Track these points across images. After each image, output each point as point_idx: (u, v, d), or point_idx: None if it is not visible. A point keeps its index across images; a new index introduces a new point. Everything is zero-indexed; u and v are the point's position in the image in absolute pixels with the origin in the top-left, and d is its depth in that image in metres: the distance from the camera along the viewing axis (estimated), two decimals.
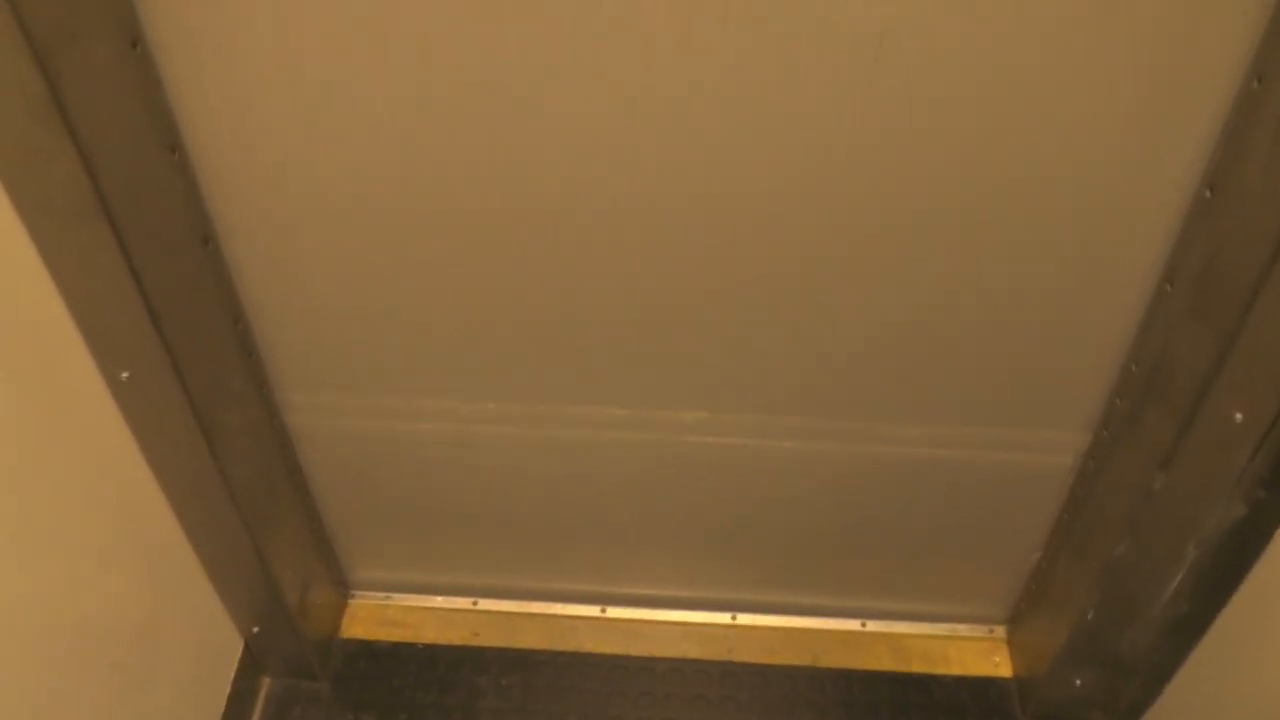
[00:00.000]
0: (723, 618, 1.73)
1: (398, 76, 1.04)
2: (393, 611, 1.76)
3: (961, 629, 1.71)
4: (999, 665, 1.67)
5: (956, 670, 1.67)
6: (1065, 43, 0.97)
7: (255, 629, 1.56)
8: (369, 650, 1.71)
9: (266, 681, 1.67)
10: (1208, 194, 1.04)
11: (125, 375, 1.16)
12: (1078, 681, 1.47)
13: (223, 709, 1.53)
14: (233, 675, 1.56)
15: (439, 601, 1.76)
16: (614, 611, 1.74)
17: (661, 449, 1.45)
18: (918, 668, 1.67)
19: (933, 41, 0.98)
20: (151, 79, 1.03)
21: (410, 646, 1.71)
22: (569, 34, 0.99)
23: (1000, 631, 1.70)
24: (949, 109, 1.03)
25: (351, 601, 1.77)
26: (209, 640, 1.51)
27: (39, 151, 0.94)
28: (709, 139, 1.07)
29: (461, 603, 1.76)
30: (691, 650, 1.70)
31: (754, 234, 1.16)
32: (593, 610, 1.74)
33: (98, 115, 0.95)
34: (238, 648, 1.58)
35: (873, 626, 1.72)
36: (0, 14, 0.84)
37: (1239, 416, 1.05)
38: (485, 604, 1.75)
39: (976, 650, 1.69)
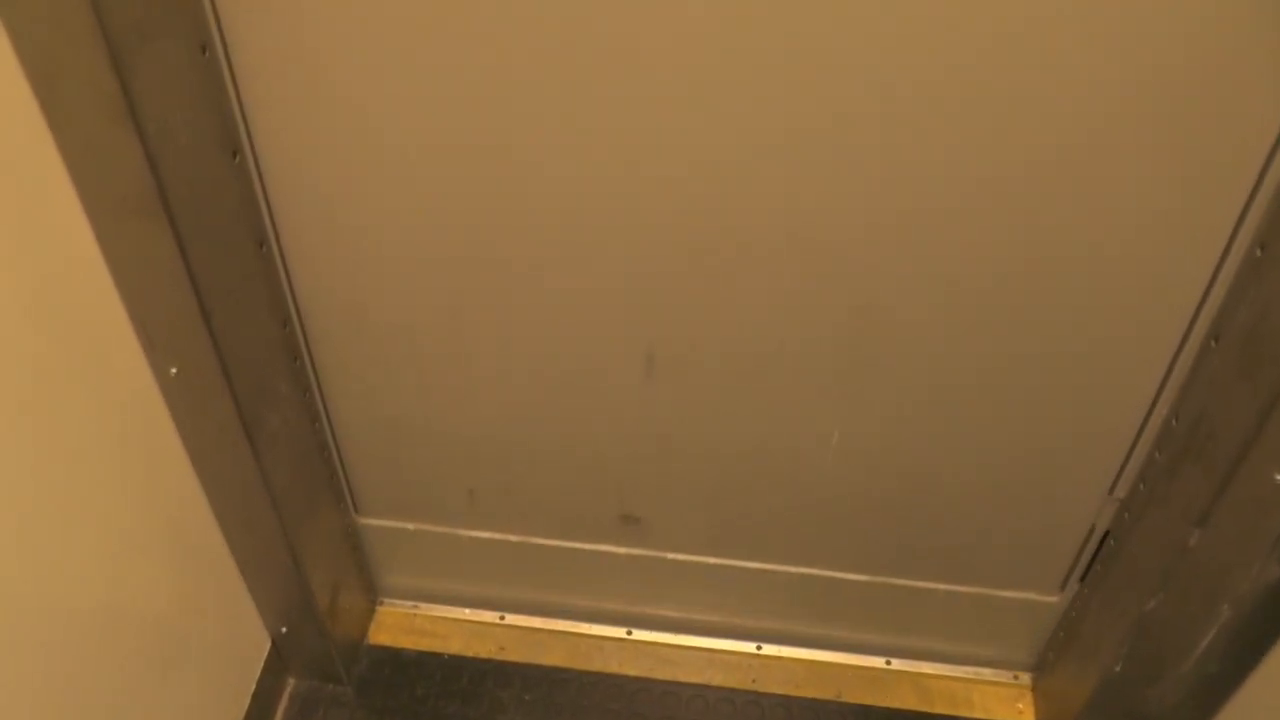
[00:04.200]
0: (748, 647, 1.73)
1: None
2: (420, 621, 1.77)
3: (986, 673, 1.69)
4: (1022, 712, 1.66)
5: (980, 715, 1.65)
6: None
7: (284, 629, 1.58)
8: (395, 658, 1.72)
9: (291, 682, 1.68)
10: (1259, 252, 1.03)
11: (174, 371, 1.18)
12: None
13: (247, 706, 1.54)
14: (258, 674, 1.57)
15: (467, 614, 1.77)
16: (640, 634, 1.74)
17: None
18: (940, 709, 1.66)
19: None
20: (218, 84, 1.05)
21: (436, 656, 1.72)
22: None
23: (1025, 679, 1.69)
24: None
25: (380, 608, 1.78)
26: (237, 637, 1.52)
27: (107, 148, 0.96)
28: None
29: (489, 616, 1.77)
30: (716, 677, 1.70)
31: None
32: (619, 632, 1.75)
33: (165, 116, 0.97)
34: (265, 647, 1.59)
35: (898, 665, 1.71)
36: (81, 11, 0.87)
37: (1279, 478, 1.04)
38: (512, 619, 1.76)
39: (1001, 696, 1.68)
